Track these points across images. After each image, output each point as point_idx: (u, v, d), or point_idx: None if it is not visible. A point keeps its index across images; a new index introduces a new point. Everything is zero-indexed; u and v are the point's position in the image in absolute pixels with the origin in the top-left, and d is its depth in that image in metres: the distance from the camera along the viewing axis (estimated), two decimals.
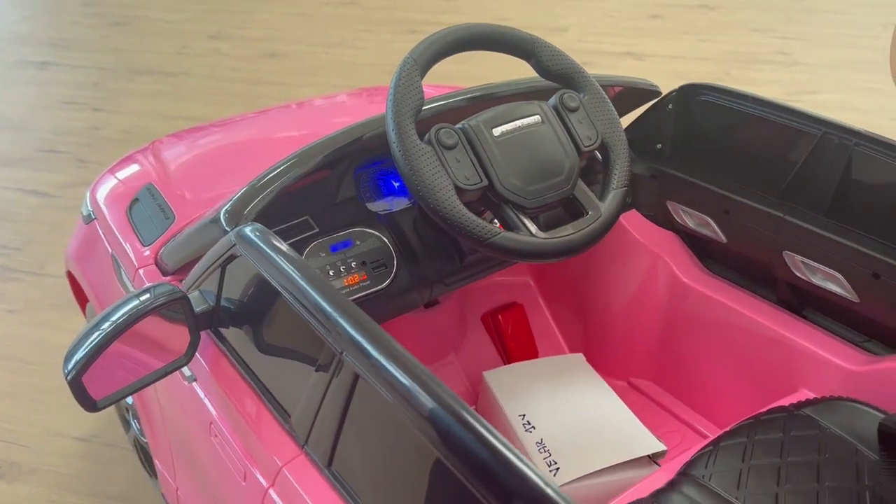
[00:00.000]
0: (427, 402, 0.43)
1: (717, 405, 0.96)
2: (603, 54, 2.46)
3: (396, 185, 0.87)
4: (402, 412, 0.45)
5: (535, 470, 0.40)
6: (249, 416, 0.59)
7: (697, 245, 0.97)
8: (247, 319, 0.62)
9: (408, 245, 0.84)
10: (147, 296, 0.60)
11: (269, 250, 0.58)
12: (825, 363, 0.83)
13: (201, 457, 0.69)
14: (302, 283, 0.54)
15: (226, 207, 0.69)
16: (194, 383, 0.67)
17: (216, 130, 1.08)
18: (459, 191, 0.69)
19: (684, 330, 0.97)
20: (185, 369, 0.66)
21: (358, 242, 0.80)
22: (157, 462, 0.90)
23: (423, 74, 0.72)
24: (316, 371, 0.53)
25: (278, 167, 0.73)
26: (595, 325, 1.07)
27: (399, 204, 0.87)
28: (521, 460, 0.40)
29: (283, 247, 0.59)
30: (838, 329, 0.85)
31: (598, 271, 1.04)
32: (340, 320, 0.50)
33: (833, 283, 0.81)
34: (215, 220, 0.69)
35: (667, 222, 0.97)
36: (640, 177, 0.95)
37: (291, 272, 0.55)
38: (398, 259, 0.82)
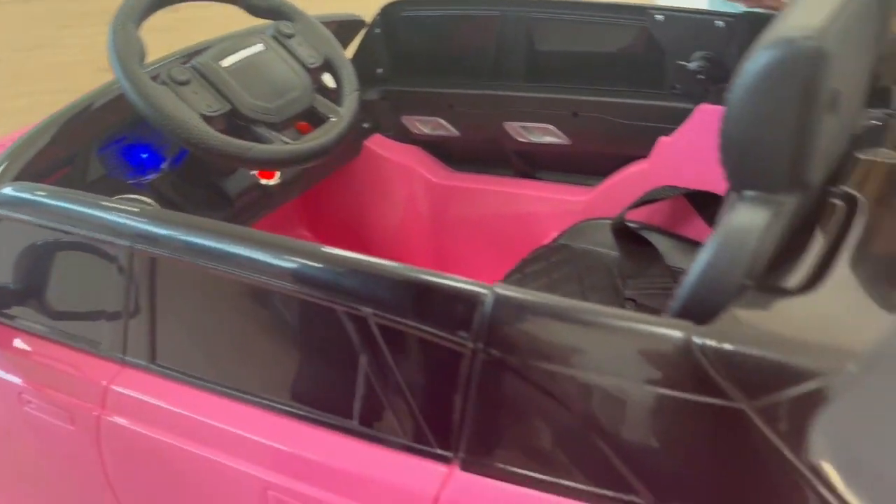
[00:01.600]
0: (243, 247, 0.48)
1: (493, 276, 1.08)
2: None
3: (144, 156, 0.88)
4: (220, 269, 0.50)
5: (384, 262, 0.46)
6: (60, 365, 0.59)
7: (438, 149, 1.08)
8: (25, 280, 0.62)
9: (177, 206, 0.86)
10: None
11: (32, 195, 0.58)
12: (562, 204, 0.98)
13: (13, 440, 0.67)
14: (76, 205, 0.56)
15: None
16: None
17: None
18: (207, 119, 0.73)
19: (449, 224, 1.08)
20: None
21: None
22: None
23: (137, 26, 0.75)
24: (112, 282, 0.55)
25: (16, 145, 0.72)
26: (375, 249, 1.15)
27: (152, 173, 0.88)
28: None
29: (48, 188, 0.59)
30: (563, 177, 1.01)
31: (362, 199, 1.12)
32: (119, 216, 0.53)
33: (548, 135, 0.96)
34: None
35: (407, 137, 1.08)
36: (372, 102, 1.04)
37: (62, 202, 0.56)
38: None
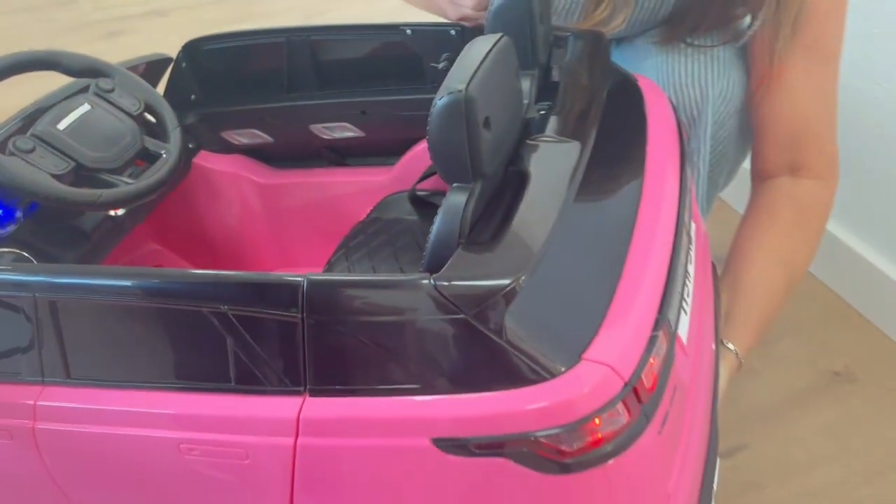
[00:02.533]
0: (127, 281, 0.67)
1: (325, 253, 1.29)
2: (128, 18, 2.60)
3: (0, 212, 1.01)
4: (109, 300, 0.68)
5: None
6: None
7: (259, 154, 1.27)
8: None
9: (41, 250, 1.00)
10: None
11: None
12: (370, 184, 1.20)
13: None
14: None
15: None
16: None
17: None
18: (57, 178, 0.88)
19: (281, 215, 1.28)
20: None
21: None
22: None
23: None
24: (23, 324, 0.72)
25: None
26: (220, 249, 1.33)
27: (10, 225, 1.01)
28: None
29: None
30: (368, 161, 1.23)
31: (201, 209, 1.29)
32: (19, 275, 0.70)
33: (346, 130, 1.17)
34: None
35: (229, 148, 1.25)
36: (192, 124, 1.21)
37: None
38: (39, 261, 0.98)
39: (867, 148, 1.37)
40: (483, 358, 0.61)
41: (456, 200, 0.64)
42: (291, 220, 1.28)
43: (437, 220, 0.65)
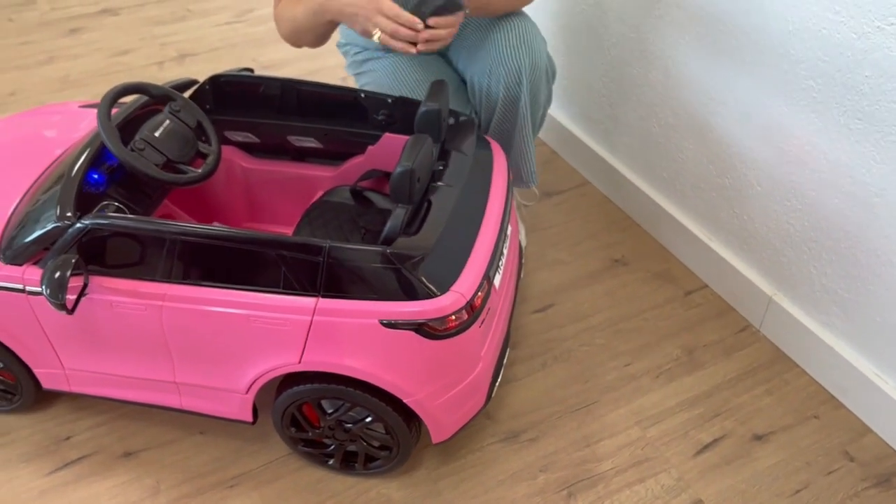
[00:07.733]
0: (217, 232, 1.34)
1: (291, 220, 1.97)
2: (83, 16, 3.03)
3: (96, 177, 1.61)
4: (216, 242, 1.35)
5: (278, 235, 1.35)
6: (135, 286, 1.39)
7: (248, 148, 1.91)
8: (119, 255, 1.39)
9: (124, 202, 1.62)
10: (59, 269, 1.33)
11: (128, 220, 1.36)
12: (324, 177, 1.88)
13: (107, 329, 1.45)
14: (153, 225, 1.36)
15: (59, 210, 1.40)
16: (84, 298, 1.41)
17: None
18: (158, 167, 1.52)
19: (259, 190, 1.93)
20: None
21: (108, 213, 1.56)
22: (36, 371, 1.57)
23: (109, 116, 1.49)
24: (164, 247, 1.37)
25: (72, 167, 1.46)
26: (217, 210, 1.96)
27: (103, 186, 1.62)
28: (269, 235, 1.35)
29: (115, 216, 1.37)
30: (322, 161, 1.91)
31: (205, 188, 1.92)
32: (170, 227, 1.35)
33: (312, 143, 1.85)
34: (55, 218, 1.39)
35: (226, 142, 1.89)
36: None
37: (147, 223, 1.36)
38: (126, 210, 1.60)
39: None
40: (407, 286, 1.35)
41: (400, 212, 1.38)
42: (263, 193, 1.94)
43: (390, 220, 1.38)
